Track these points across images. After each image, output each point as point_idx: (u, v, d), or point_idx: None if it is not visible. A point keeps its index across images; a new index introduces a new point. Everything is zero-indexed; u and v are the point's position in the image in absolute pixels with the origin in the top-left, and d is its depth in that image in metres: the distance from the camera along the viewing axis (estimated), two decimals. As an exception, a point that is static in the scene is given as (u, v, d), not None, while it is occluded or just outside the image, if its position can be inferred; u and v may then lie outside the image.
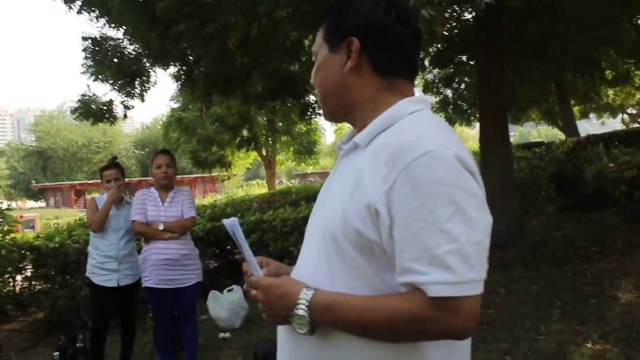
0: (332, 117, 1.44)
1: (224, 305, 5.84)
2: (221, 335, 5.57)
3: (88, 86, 7.81)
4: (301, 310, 1.20)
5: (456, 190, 1.12)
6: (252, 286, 1.30)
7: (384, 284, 1.20)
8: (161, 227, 4.39)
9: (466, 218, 1.11)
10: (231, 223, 1.31)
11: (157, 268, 4.36)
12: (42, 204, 48.79)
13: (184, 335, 4.60)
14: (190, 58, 7.03)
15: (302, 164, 26.76)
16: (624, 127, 25.55)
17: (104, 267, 4.66)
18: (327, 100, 1.38)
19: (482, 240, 1.14)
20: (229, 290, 6.03)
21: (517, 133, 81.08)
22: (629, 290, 5.17)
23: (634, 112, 30.26)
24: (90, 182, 47.91)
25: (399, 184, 1.13)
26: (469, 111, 15.67)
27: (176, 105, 23.66)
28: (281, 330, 1.36)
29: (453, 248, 1.09)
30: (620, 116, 30.22)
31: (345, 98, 1.35)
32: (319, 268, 1.27)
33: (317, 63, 1.37)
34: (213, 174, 22.76)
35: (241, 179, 49.39)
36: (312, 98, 10.25)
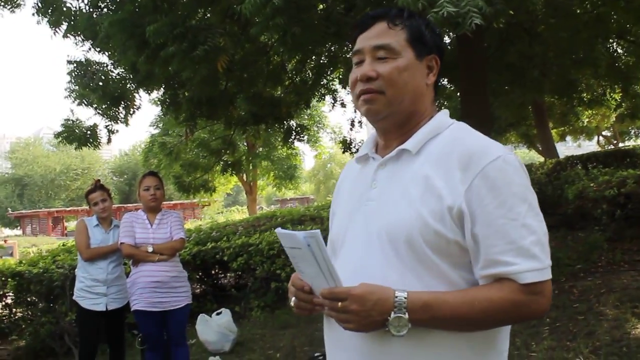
0: (391, 118, 1.43)
1: (213, 328, 5.78)
2: (211, 358, 5.50)
3: (72, 110, 7.75)
4: (400, 313, 1.24)
5: (526, 189, 1.31)
6: (339, 297, 1.26)
7: (460, 279, 1.32)
8: (150, 249, 4.37)
9: (536, 213, 1.31)
10: (311, 236, 1.24)
11: (146, 291, 4.32)
12: (18, 232, 47.97)
13: (174, 358, 4.54)
14: (176, 81, 7.04)
15: (283, 189, 26.76)
16: (600, 149, 26.03)
17: (92, 290, 4.63)
18: (402, 100, 1.41)
19: (547, 232, 1.32)
20: (217, 314, 5.98)
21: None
22: (615, 306, 5.23)
23: (609, 134, 30.87)
24: (68, 209, 47.32)
25: (476, 185, 1.28)
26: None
27: (156, 131, 23.64)
28: (357, 339, 1.34)
29: (535, 239, 1.27)
30: (595, 138, 30.83)
31: (417, 104, 1.44)
32: (388, 268, 1.33)
33: (401, 62, 1.40)
34: (193, 200, 22.63)
35: (221, 205, 49.16)
36: (294, 122, 10.32)
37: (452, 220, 1.29)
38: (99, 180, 4.98)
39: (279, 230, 1.35)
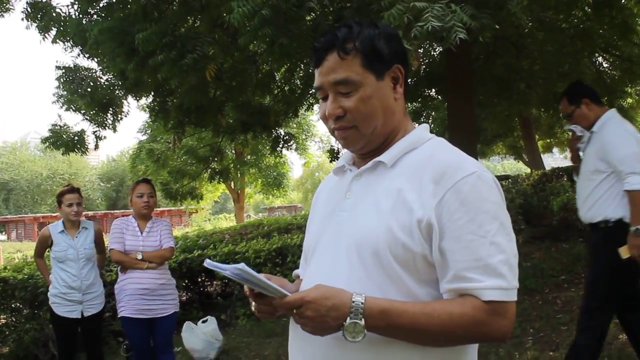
0: (370, 145, 1.43)
1: (199, 336, 5.78)
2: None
3: (59, 116, 7.72)
4: (356, 318, 1.22)
5: (498, 208, 1.29)
6: (293, 306, 1.26)
7: (427, 296, 1.30)
8: (139, 256, 4.37)
9: (507, 233, 1.28)
10: (239, 270, 1.27)
11: (134, 298, 4.32)
12: (3, 237, 47.52)
13: (160, 366, 4.53)
14: (165, 89, 7.05)
15: (270, 197, 26.75)
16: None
17: (66, 297, 4.59)
18: (375, 127, 1.39)
19: (517, 254, 1.29)
20: (203, 322, 5.98)
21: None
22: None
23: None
24: (55, 214, 46.86)
25: (448, 199, 1.26)
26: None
27: (144, 137, 23.57)
28: (320, 344, 1.33)
29: (502, 258, 1.25)
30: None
31: (391, 124, 1.42)
32: (353, 279, 1.32)
33: (363, 92, 1.36)
34: (180, 208, 22.56)
35: (208, 213, 49.00)
36: (282, 131, 10.34)
37: (420, 233, 1.27)
38: (70, 184, 4.95)
39: (207, 262, 1.37)
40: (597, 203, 3.57)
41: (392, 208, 1.31)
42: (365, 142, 1.41)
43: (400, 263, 1.28)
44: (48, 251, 4.81)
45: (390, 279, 1.29)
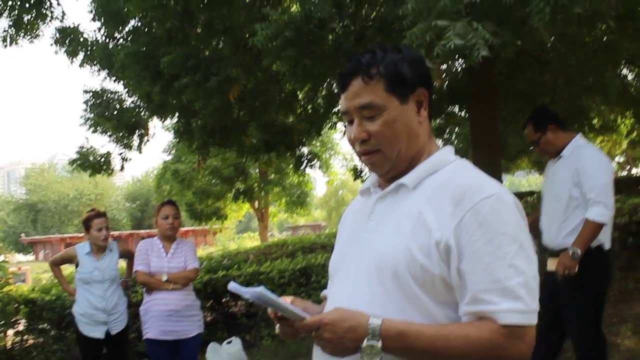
0: (396, 168, 1.43)
1: (223, 357, 5.75)
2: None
3: (86, 138, 7.91)
4: (373, 340, 1.23)
5: (518, 230, 1.27)
6: (312, 328, 1.29)
7: (445, 317, 1.29)
8: (165, 277, 4.39)
9: (527, 255, 1.26)
10: (258, 294, 1.30)
11: (159, 319, 4.34)
12: (30, 257, 48.17)
13: (185, 387, 4.54)
14: (189, 110, 7.15)
15: (294, 215, 26.77)
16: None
17: (92, 318, 4.63)
18: (399, 150, 1.40)
19: (537, 276, 1.27)
20: (228, 342, 5.96)
21: (508, 182, 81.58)
22: (628, 336, 5.18)
23: (621, 160, 30.68)
24: (81, 235, 47.12)
25: (467, 220, 1.25)
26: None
27: (169, 157, 23.83)
28: None
29: (521, 281, 1.23)
30: (608, 165, 30.57)
31: (415, 147, 1.43)
32: (373, 301, 1.32)
33: (387, 116, 1.38)
34: (204, 227, 22.68)
35: (233, 232, 49.19)
36: (305, 150, 10.37)
37: (439, 254, 1.27)
38: (94, 209, 5.01)
39: (230, 286, 1.40)
40: (575, 230, 3.52)
41: (412, 229, 1.32)
42: (391, 165, 1.42)
43: (419, 284, 1.29)
44: (71, 272, 4.86)
45: (410, 300, 1.30)
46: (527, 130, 3.90)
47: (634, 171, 27.92)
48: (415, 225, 1.32)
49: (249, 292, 1.32)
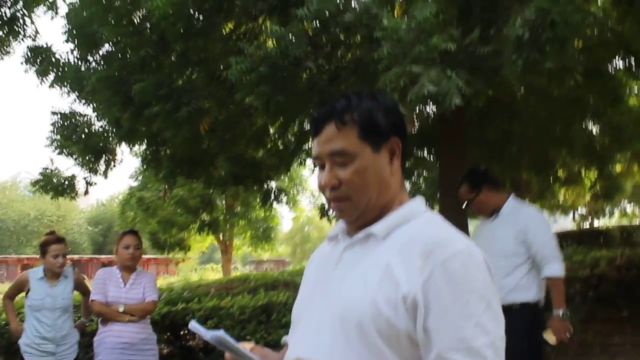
0: (365, 217, 1.41)
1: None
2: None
3: (52, 160, 7.69)
4: None
5: (486, 287, 1.24)
6: None
7: None
8: (121, 309, 4.26)
9: (494, 314, 1.23)
10: (217, 338, 1.30)
11: (113, 352, 4.20)
12: (-16, 278, 46.64)
13: None
14: (158, 139, 7.07)
15: (258, 249, 26.56)
16: (575, 225, 26.43)
17: (39, 348, 4.42)
18: (369, 199, 1.38)
19: (504, 337, 1.24)
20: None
21: (474, 228, 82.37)
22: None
23: (584, 212, 31.29)
24: (39, 256, 46.20)
25: (435, 276, 1.22)
26: (428, 206, 15.91)
27: (135, 183, 23.52)
28: None
29: (487, 341, 1.20)
30: (572, 214, 31.20)
31: (386, 196, 1.40)
32: (335, 352, 1.28)
33: (358, 164, 1.36)
34: (167, 256, 22.36)
35: (195, 262, 48.51)
36: (273, 184, 10.34)
37: (405, 309, 1.24)
38: (54, 231, 4.86)
39: (191, 325, 1.41)
40: (519, 286, 3.61)
41: (379, 281, 1.28)
42: (359, 214, 1.40)
43: (384, 338, 1.25)
44: (21, 297, 4.68)
45: (372, 353, 1.25)
46: (462, 190, 3.98)
47: (595, 224, 28.46)
48: (383, 277, 1.28)
49: (209, 334, 1.31)
